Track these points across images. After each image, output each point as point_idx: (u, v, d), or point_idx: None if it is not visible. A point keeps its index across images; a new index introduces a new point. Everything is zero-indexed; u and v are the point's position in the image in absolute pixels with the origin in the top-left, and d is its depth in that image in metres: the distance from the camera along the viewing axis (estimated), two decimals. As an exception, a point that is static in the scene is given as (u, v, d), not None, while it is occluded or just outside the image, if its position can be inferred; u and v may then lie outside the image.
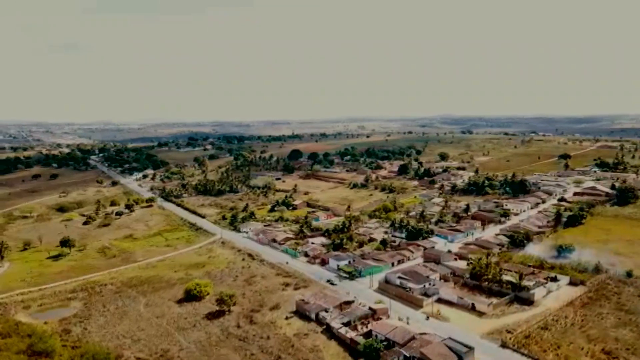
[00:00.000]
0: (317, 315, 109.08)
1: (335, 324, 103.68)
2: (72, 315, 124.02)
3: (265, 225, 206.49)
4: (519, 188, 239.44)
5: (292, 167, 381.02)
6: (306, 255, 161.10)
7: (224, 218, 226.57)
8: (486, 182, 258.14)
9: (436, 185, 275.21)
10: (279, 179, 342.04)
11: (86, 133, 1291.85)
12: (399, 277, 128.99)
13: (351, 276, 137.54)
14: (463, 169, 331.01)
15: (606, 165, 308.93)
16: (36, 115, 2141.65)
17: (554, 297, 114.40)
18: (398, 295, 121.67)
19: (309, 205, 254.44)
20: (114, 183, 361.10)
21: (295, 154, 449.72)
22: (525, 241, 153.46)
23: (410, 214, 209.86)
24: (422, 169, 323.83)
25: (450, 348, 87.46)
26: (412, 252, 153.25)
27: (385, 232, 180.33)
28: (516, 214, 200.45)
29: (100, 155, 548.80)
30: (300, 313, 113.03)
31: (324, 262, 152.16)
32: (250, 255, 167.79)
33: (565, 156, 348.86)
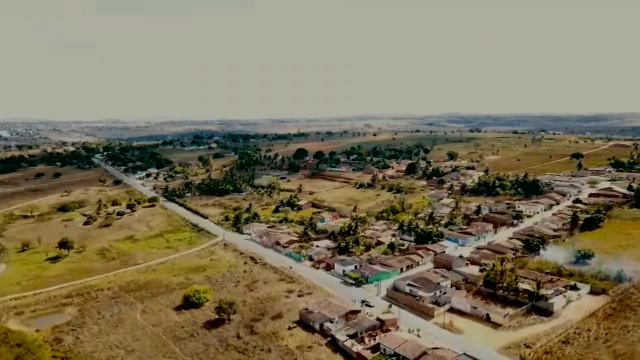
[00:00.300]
0: (321, 325, 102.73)
1: (341, 335, 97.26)
2: (65, 323, 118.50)
3: (269, 227, 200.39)
4: (531, 189, 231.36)
5: (297, 166, 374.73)
6: (311, 259, 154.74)
7: (227, 219, 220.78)
8: (497, 182, 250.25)
9: (445, 185, 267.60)
10: (283, 178, 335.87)
11: (93, 131, 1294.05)
12: (409, 284, 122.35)
13: (357, 283, 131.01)
14: (472, 168, 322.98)
15: (621, 165, 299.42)
16: (45, 114, 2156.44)
17: (574, 307, 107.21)
18: (407, 304, 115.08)
19: (314, 205, 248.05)
20: (117, 182, 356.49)
21: (301, 153, 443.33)
22: (540, 246, 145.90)
23: (419, 215, 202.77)
24: (430, 169, 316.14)
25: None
26: (422, 257, 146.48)
27: (393, 235, 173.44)
28: (529, 216, 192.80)
29: (105, 153, 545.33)
30: (304, 323, 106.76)
31: (329, 267, 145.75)
32: (252, 258, 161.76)
33: (577, 155, 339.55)
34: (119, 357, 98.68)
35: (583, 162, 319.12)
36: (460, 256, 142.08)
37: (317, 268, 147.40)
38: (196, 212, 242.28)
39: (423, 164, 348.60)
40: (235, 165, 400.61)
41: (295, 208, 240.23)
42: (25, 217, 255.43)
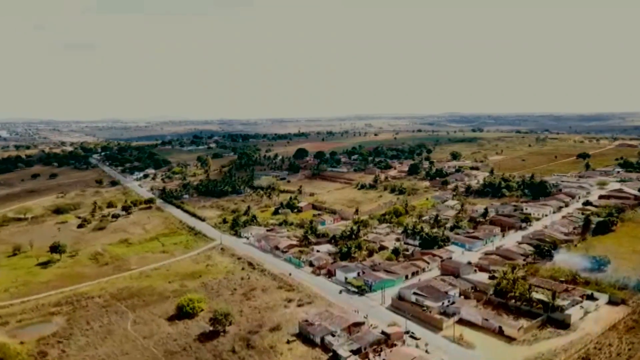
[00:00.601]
0: (322, 339, 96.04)
1: (343, 351, 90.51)
2: (52, 334, 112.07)
3: (267, 230, 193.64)
4: (539, 190, 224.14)
5: (297, 167, 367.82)
6: (311, 265, 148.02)
7: (224, 221, 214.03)
8: (503, 183, 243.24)
9: (449, 187, 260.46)
10: (283, 179, 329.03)
11: (93, 131, 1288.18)
12: (415, 293, 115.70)
13: (360, 291, 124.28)
14: (477, 168, 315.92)
15: (630, 165, 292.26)
16: (45, 114, 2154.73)
17: (592, 319, 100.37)
18: (414, 315, 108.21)
19: (314, 207, 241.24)
20: (114, 183, 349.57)
21: (301, 153, 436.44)
22: (552, 251, 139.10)
23: (423, 218, 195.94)
24: (433, 169, 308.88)
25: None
26: (428, 263, 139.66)
27: (397, 239, 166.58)
28: (538, 219, 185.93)
29: (103, 154, 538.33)
30: (304, 336, 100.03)
31: (330, 274, 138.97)
32: (250, 264, 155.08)
33: (584, 155, 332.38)
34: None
35: (590, 162, 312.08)
36: (469, 262, 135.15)
37: (318, 274, 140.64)
38: (193, 215, 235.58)
39: (426, 164, 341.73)
40: (234, 165, 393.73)
41: (295, 210, 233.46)
42: (19, 219, 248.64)
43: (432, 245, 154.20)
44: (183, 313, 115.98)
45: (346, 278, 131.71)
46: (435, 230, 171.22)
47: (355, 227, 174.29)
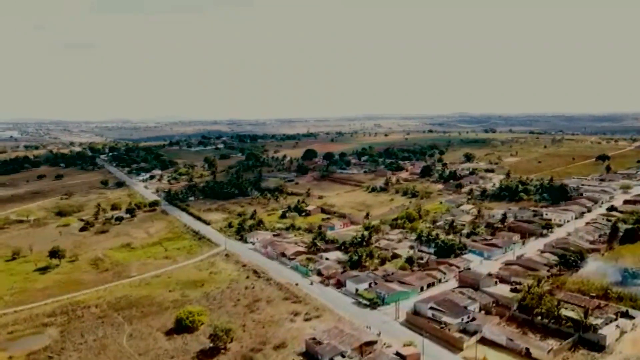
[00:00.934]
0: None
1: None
2: (43, 348, 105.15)
3: (274, 235, 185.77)
4: (559, 194, 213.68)
5: (306, 168, 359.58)
6: (319, 274, 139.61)
7: (230, 225, 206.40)
8: (520, 186, 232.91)
9: (464, 190, 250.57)
10: (291, 180, 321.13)
11: (102, 131, 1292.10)
12: (431, 308, 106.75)
13: (372, 304, 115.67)
14: (491, 171, 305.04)
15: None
16: (56, 114, 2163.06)
17: (630, 340, 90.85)
18: (431, 332, 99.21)
19: (323, 211, 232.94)
20: (119, 184, 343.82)
21: (310, 154, 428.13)
22: (578, 261, 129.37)
23: (438, 223, 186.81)
24: (447, 171, 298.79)
25: None
26: (444, 273, 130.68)
27: (411, 247, 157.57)
28: (559, 225, 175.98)
29: (110, 154, 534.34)
30: (311, 355, 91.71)
31: (339, 284, 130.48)
32: (255, 272, 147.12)
33: (603, 157, 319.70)
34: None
35: (610, 164, 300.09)
36: (489, 273, 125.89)
37: (327, 285, 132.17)
38: (198, 218, 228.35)
39: (438, 166, 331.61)
40: (242, 166, 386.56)
41: (303, 214, 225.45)
42: (21, 221, 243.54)
43: (448, 254, 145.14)
44: (182, 327, 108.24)
45: (357, 289, 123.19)
46: (450, 237, 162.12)
47: (366, 233, 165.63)
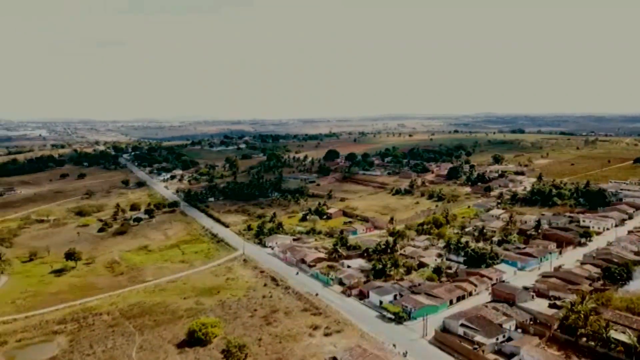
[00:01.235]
0: (353, 384, 79.64)
1: (379, 404, 73.93)
2: (51, 358, 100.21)
3: (294, 239, 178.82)
4: (596, 199, 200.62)
5: (327, 169, 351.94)
6: (341, 283, 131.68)
7: (249, 228, 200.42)
8: (554, 190, 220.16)
9: (493, 194, 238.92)
10: (313, 181, 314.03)
11: (128, 130, 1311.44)
12: (462, 325, 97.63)
13: (398, 318, 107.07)
14: (522, 173, 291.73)
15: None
16: (85, 114, 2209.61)
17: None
18: (463, 354, 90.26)
19: (345, 214, 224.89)
20: (140, 184, 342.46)
21: (332, 155, 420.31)
22: (624, 275, 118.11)
23: (466, 229, 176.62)
24: (475, 174, 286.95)
25: None
26: (475, 286, 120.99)
27: (439, 255, 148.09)
28: (598, 233, 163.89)
29: (133, 153, 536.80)
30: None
31: (362, 295, 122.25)
32: (274, 279, 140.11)
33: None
34: (97, 417, 78.67)
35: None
36: (525, 287, 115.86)
37: (349, 295, 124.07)
38: (217, 220, 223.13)
39: (466, 168, 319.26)
40: (263, 167, 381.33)
41: (325, 217, 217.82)
42: (41, 221, 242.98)
43: (479, 264, 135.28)
44: (195, 339, 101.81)
45: (381, 302, 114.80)
46: (481, 244, 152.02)
47: (390, 240, 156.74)
